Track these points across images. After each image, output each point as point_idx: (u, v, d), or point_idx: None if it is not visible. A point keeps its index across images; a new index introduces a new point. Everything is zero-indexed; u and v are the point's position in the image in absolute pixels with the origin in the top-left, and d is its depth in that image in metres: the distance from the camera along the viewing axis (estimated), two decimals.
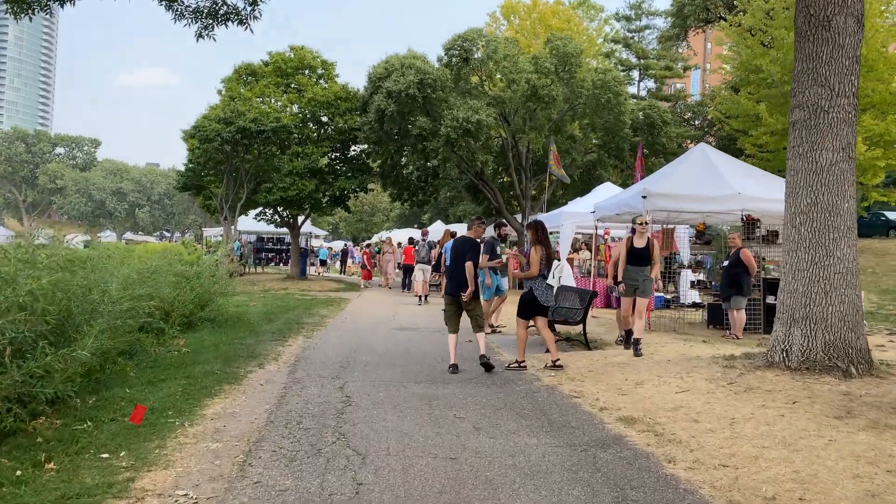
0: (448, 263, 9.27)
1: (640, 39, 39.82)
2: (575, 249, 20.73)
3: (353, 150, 28.17)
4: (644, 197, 12.50)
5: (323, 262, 41.13)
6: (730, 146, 46.75)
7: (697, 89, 53.58)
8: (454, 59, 25.69)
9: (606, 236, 24.54)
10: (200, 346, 10.47)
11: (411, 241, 24.57)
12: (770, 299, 13.28)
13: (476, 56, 25.81)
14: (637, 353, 9.18)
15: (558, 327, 11.31)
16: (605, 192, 20.05)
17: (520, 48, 28.65)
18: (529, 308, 8.68)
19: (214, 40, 9.24)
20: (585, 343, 10.60)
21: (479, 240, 9.10)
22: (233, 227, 24.62)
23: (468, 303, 8.66)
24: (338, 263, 41.85)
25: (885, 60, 29.07)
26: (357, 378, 8.39)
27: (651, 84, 38.83)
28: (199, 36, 9.26)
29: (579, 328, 10.78)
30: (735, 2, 43.78)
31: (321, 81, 27.39)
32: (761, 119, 30.42)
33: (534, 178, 29.08)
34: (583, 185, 30.04)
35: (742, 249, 12.55)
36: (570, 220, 18.83)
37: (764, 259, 13.49)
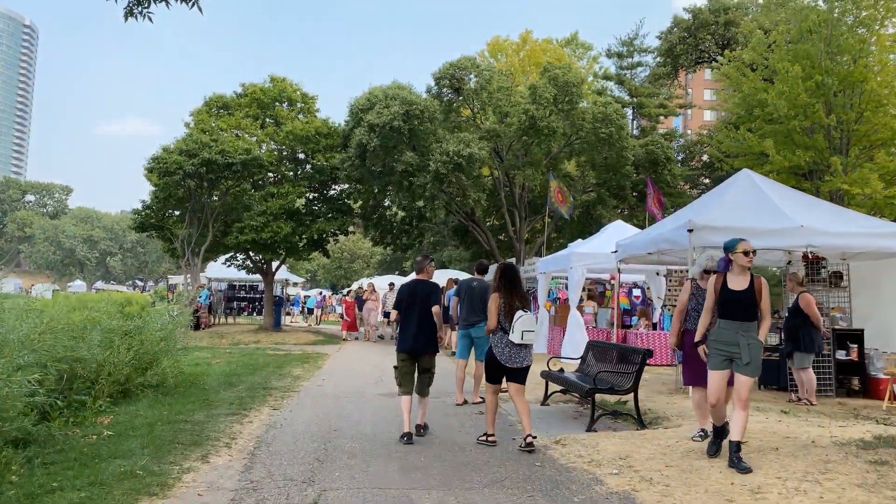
0: (400, 312, 7.90)
1: (632, 77, 38.39)
2: (590, 296, 18.40)
3: (333, 190, 25.83)
4: (690, 231, 10.23)
5: (311, 311, 38.39)
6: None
7: (679, 131, 52.26)
8: (444, 90, 23.68)
9: (612, 281, 22.29)
10: (130, 426, 7.88)
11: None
12: (840, 354, 10.98)
13: (469, 86, 23.83)
14: (741, 468, 5.64)
15: (600, 397, 8.88)
16: (618, 232, 17.79)
17: (513, 81, 26.77)
18: (493, 369, 7.03)
19: (151, 21, 6.89)
20: (638, 419, 8.11)
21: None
22: (199, 272, 21.98)
23: (426, 360, 7.60)
24: (316, 312, 39.12)
25: (894, 96, 27.56)
26: (339, 480, 5.85)
27: (644, 122, 37.20)
28: (129, 14, 6.91)
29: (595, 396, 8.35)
30: (729, 41, 42.82)
31: (301, 116, 25.18)
32: (768, 157, 28.68)
33: (528, 219, 26.89)
34: (581, 226, 27.91)
35: (802, 294, 10.27)
36: (582, 261, 16.52)
37: (831, 308, 11.19)
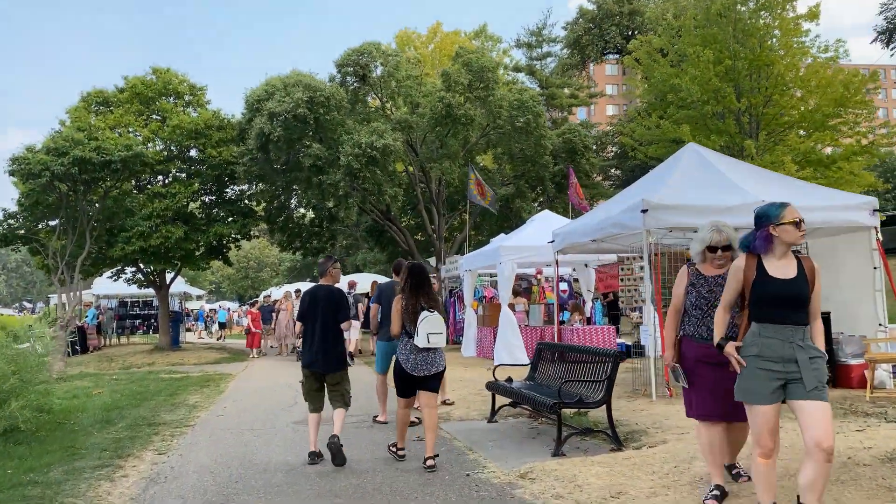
0: (303, 323, 6.93)
1: (542, 67, 37.65)
2: (516, 293, 17.06)
3: (232, 191, 23.53)
4: (644, 211, 8.93)
5: (222, 325, 35.36)
6: (637, 179, 45.38)
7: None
8: (349, 78, 21.87)
9: (539, 276, 21.11)
10: None
11: None
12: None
13: (375, 74, 22.11)
14: None
15: (568, 413, 7.39)
16: (546, 223, 16.55)
17: (423, 70, 25.24)
18: (402, 381, 6.30)
19: None
20: (614, 436, 6.66)
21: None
22: (80, 289, 19.26)
23: (333, 376, 6.73)
24: (215, 327, 36.21)
25: (800, 79, 27.77)
26: None
27: (556, 114, 36.51)
28: None
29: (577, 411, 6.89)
30: (633, 31, 42.89)
31: (189, 109, 22.75)
32: (682, 142, 28.36)
33: (447, 216, 25.43)
34: (500, 221, 26.69)
35: None
36: (511, 255, 15.13)
37: None
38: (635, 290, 9.53)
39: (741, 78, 27.33)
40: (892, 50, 25.02)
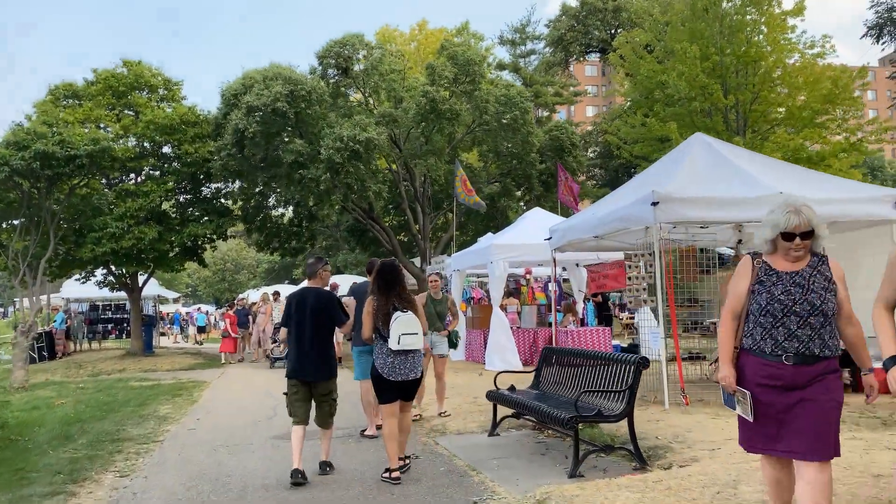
0: (288, 328, 6.41)
1: (526, 65, 37.01)
2: (507, 293, 16.32)
3: (208, 189, 22.56)
4: (655, 204, 8.22)
5: (201, 329, 33.91)
6: (621, 178, 44.78)
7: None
8: (330, 71, 21.02)
9: (528, 276, 20.40)
10: None
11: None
12: None
13: (358, 66, 21.27)
14: None
15: (586, 431, 6.61)
16: (538, 220, 15.84)
17: (407, 63, 24.45)
18: (381, 387, 5.89)
19: None
20: (636, 454, 5.91)
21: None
22: (45, 292, 18.23)
23: (323, 385, 6.25)
24: (191, 330, 34.96)
25: (787, 76, 27.40)
26: None
27: (540, 113, 35.90)
28: None
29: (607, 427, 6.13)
30: (617, 27, 42.35)
31: (164, 104, 21.75)
32: (669, 141, 27.88)
33: (432, 215, 24.65)
34: (486, 220, 25.96)
35: None
36: (503, 254, 14.38)
37: None
38: (643, 289, 8.82)
39: (728, 74, 26.94)
40: (882, 45, 24.65)
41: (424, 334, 5.93)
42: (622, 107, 33.33)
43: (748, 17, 27.37)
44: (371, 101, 22.36)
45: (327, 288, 6.62)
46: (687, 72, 26.41)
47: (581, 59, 44.44)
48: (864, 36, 24.23)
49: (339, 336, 16.48)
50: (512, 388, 7.52)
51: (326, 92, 19.72)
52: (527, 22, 38.04)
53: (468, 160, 25.79)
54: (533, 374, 7.79)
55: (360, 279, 23.42)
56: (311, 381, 6.19)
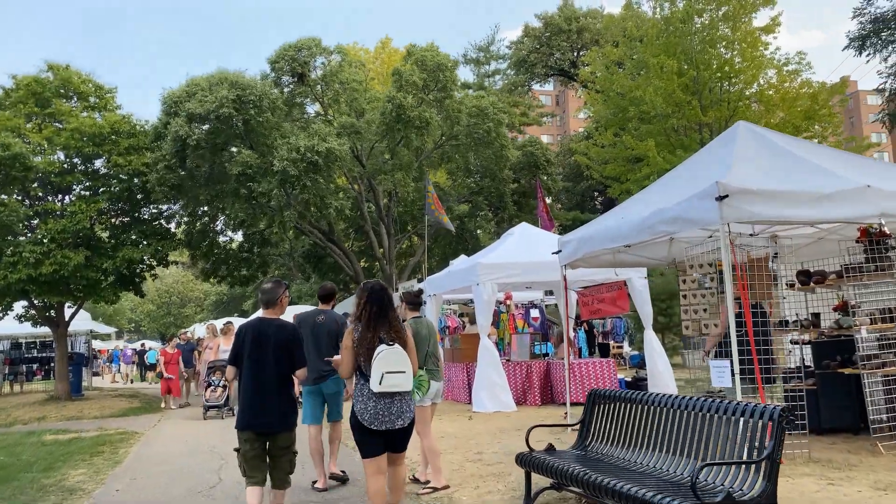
0: (240, 368, 5.22)
1: (491, 84, 35.48)
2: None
3: (146, 210, 20.04)
4: (722, 198, 6.30)
5: (151, 367, 30.37)
6: (588, 202, 43.49)
7: None
8: (285, 78, 18.91)
9: (508, 301, 18.37)
10: None
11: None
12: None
13: (315, 74, 19.22)
14: None
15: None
16: (527, 236, 13.94)
17: (369, 72, 22.50)
18: (362, 437, 4.75)
19: None
20: None
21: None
22: None
23: (284, 437, 5.20)
24: (127, 369, 31.75)
25: (763, 93, 26.49)
26: None
27: (508, 134, 34.28)
28: None
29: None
30: (582, 48, 41.33)
31: (95, 113, 19.25)
32: (642, 160, 26.55)
33: (397, 237, 22.54)
34: (455, 243, 23.98)
35: None
36: (492, 274, 12.35)
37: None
38: (703, 310, 6.87)
39: (704, 91, 25.89)
40: (866, 57, 23.76)
41: (415, 374, 4.87)
42: (592, 125, 31.92)
43: (720, 32, 26.48)
44: (330, 113, 20.26)
45: (287, 320, 5.51)
46: (663, 87, 25.24)
47: (545, 80, 43.21)
48: (846, 48, 23.31)
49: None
50: (551, 449, 5.44)
51: (280, 99, 17.59)
52: (491, 41, 36.66)
53: (435, 180, 23.84)
54: (578, 427, 5.69)
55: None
56: (268, 433, 5.20)
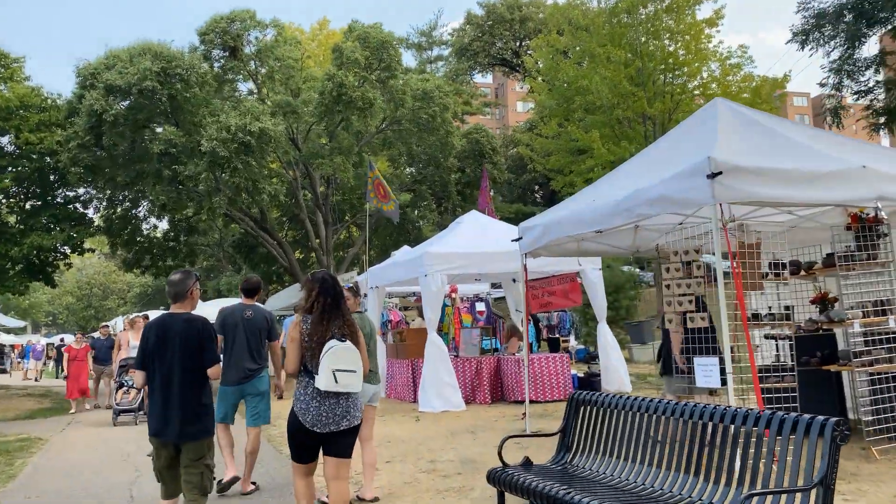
0: (147, 370, 4.72)
1: (434, 71, 34.53)
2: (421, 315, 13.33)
3: (62, 193, 18.38)
4: (713, 175, 5.57)
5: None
6: (529, 195, 43.08)
7: None
8: (216, 51, 17.55)
9: (453, 294, 17.55)
10: None
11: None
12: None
13: (249, 49, 17.92)
14: None
15: None
16: (480, 225, 13.12)
17: (306, 52, 21.26)
18: (297, 439, 4.38)
19: None
20: None
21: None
22: None
23: (195, 448, 4.63)
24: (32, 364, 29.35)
25: (706, 87, 26.51)
26: None
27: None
28: None
29: None
30: (525, 37, 40.77)
31: (0, 85, 17.46)
32: (586, 152, 26.15)
33: (335, 226, 21.40)
34: (396, 234, 23.02)
35: None
36: (442, 264, 11.46)
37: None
38: (689, 301, 6.14)
39: (648, 83, 25.69)
40: (810, 52, 23.81)
41: (366, 375, 4.53)
42: (536, 116, 31.39)
43: (664, 23, 26.33)
44: (264, 91, 18.96)
45: (199, 315, 4.94)
46: (610, 77, 24.88)
47: (487, 70, 42.56)
48: (789, 41, 23.25)
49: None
50: (528, 464, 4.58)
51: (210, 74, 16.25)
52: (434, 26, 35.68)
53: (376, 166, 22.78)
54: (559, 436, 4.85)
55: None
56: (177, 443, 4.70)
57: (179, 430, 4.64)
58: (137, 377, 4.79)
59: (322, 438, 4.35)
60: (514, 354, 12.57)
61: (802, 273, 7.07)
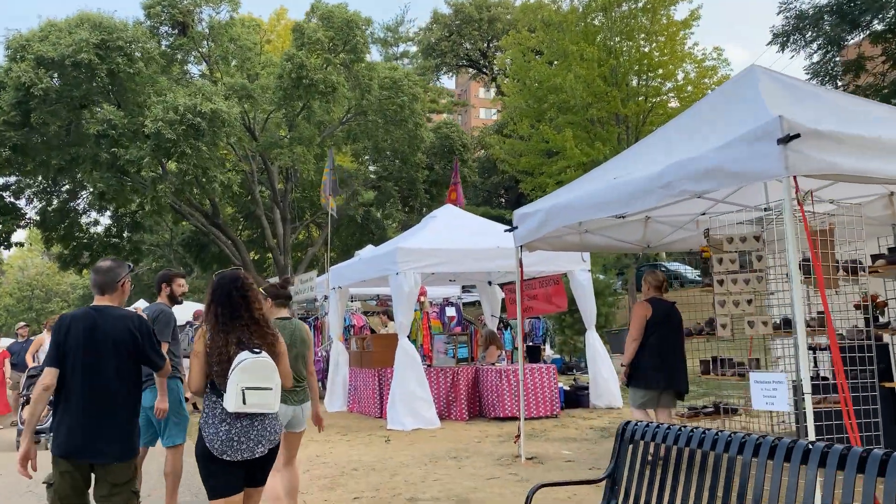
0: (62, 372, 3.87)
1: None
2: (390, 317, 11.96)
3: None
4: (786, 140, 4.34)
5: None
6: (495, 198, 41.99)
7: None
8: (164, 28, 15.96)
9: (422, 298, 16.18)
10: None
11: None
12: None
13: (202, 28, 16.36)
14: None
15: None
16: (456, 218, 11.81)
17: (265, 35, 19.75)
18: (211, 469, 3.68)
19: None
20: None
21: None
22: None
23: (116, 471, 3.89)
24: None
25: (680, 89, 25.92)
26: None
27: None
28: None
29: None
30: (493, 38, 39.76)
31: None
32: (564, 151, 25.17)
33: (296, 224, 19.87)
34: (360, 233, 21.59)
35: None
36: (416, 261, 10.09)
37: None
38: (747, 302, 4.89)
39: (622, 83, 24.94)
40: (791, 54, 23.16)
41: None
42: (507, 116, 30.34)
43: (639, 23, 25.64)
44: (217, 74, 17.39)
45: (130, 308, 4.34)
46: (584, 75, 24.00)
47: (455, 71, 41.47)
48: (769, 43, 22.55)
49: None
50: None
51: (157, 50, 14.64)
52: (400, 21, 34.40)
53: (340, 162, 21.33)
54: (604, 483, 3.52)
55: (199, 306, 18.18)
56: (92, 464, 3.90)
57: (105, 448, 3.95)
58: (46, 376, 3.78)
59: (237, 466, 3.73)
60: (493, 364, 11.24)
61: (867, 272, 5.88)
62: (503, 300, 14.50)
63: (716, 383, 8.13)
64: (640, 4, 25.20)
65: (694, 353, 8.00)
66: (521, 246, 7.28)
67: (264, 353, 3.65)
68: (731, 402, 7.63)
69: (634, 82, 26.09)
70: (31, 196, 18.23)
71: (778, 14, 22.41)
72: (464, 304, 17.54)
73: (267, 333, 3.77)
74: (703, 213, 7.15)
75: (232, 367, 3.62)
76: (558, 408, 10.66)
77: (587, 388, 11.54)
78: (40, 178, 17.25)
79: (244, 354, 3.61)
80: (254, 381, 3.65)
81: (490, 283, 14.21)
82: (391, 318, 13.95)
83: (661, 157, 5.49)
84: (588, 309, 11.50)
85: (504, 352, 12.65)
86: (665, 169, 5.14)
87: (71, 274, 37.72)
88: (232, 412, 3.65)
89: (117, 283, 4.01)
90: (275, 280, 15.79)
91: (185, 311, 15.42)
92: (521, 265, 7.51)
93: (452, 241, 10.70)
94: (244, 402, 3.59)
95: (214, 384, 3.73)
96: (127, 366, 3.97)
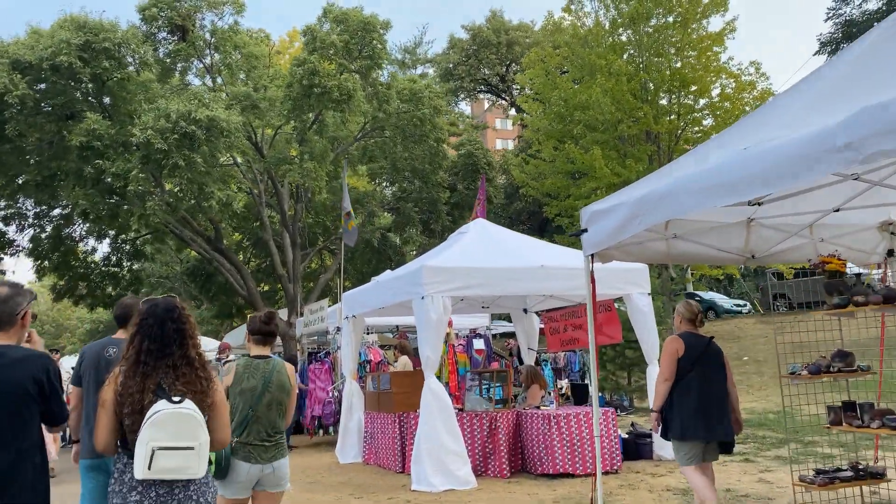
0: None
1: None
2: (403, 351, 10.13)
3: None
4: None
5: None
6: (518, 225, 40.34)
7: None
8: (162, 33, 14.56)
9: (448, 329, 14.34)
10: None
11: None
12: None
13: (203, 31, 14.95)
14: None
15: None
16: (489, 235, 10.08)
17: (274, 47, 18.36)
18: None
19: None
20: None
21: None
22: None
23: None
24: None
25: (714, 106, 24.24)
26: None
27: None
28: None
29: None
30: (511, 62, 38.51)
31: None
32: (593, 171, 23.51)
33: (308, 250, 18.22)
34: (376, 260, 19.91)
35: None
36: (445, 283, 8.34)
37: None
38: None
39: (654, 100, 23.38)
40: None
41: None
42: (533, 136, 28.89)
43: (672, 38, 24.12)
44: (221, 82, 15.93)
45: (38, 348, 3.61)
46: (613, 88, 22.44)
47: (474, 97, 40.26)
48: (816, 53, 21.00)
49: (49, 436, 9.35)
50: None
51: (150, 54, 13.19)
52: (418, 42, 33.24)
53: (355, 184, 19.75)
54: None
55: (228, 340, 16.61)
56: None
57: None
58: None
59: None
60: (537, 408, 9.34)
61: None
62: (541, 330, 12.68)
63: (850, 436, 6.24)
64: (671, 19, 23.74)
65: (817, 395, 6.16)
66: (593, 255, 5.49)
67: (187, 403, 3.03)
68: (870, 464, 5.75)
69: (665, 101, 24.55)
70: (22, 223, 16.89)
71: (826, 20, 20.82)
72: (498, 335, 15.76)
73: (199, 378, 3.13)
74: (837, 210, 5.36)
75: (144, 421, 3.02)
76: (619, 461, 8.75)
77: (650, 437, 9.62)
78: (31, 202, 15.87)
79: (160, 405, 3.01)
80: (168, 438, 3.00)
81: (525, 310, 12.38)
82: (403, 352, 12.17)
83: (814, 119, 3.71)
84: (650, 340, 9.61)
85: (551, 392, 10.75)
86: (843, 121, 3.36)
87: (81, 308, 36.36)
88: (139, 479, 3.02)
89: (14, 315, 3.29)
90: (317, 306, 14.10)
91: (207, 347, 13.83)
92: (592, 280, 5.70)
93: (487, 260, 8.95)
94: (149, 468, 2.93)
95: (126, 441, 3.15)
96: (20, 417, 3.21)
